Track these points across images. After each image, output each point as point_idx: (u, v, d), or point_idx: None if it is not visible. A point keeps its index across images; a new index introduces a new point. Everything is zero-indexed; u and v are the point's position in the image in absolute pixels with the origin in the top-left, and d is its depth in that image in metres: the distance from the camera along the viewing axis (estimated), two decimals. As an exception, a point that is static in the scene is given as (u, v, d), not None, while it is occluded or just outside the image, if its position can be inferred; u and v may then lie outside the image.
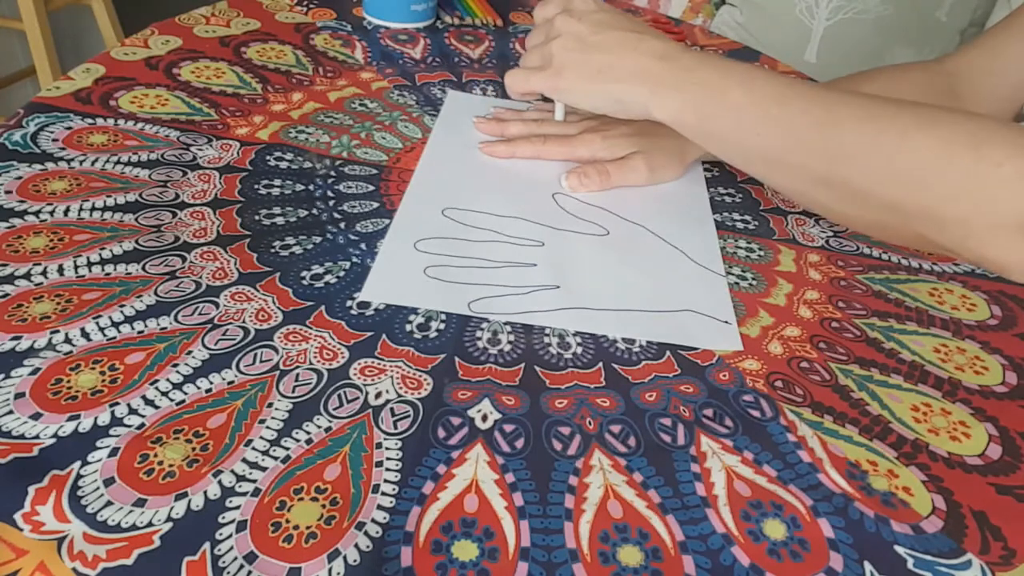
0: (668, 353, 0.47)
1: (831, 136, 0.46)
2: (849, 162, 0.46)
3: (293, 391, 0.40)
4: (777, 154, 0.49)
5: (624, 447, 0.40)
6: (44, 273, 0.44)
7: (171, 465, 0.36)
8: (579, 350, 0.46)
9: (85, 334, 0.41)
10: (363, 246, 0.51)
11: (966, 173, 0.42)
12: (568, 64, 0.55)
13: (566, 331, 0.47)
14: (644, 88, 0.52)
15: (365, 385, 0.41)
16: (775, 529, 0.37)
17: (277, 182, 0.55)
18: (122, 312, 0.43)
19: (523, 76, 0.58)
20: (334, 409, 0.40)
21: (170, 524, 0.33)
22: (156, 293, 0.44)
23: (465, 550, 0.34)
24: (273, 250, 0.49)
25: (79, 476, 0.34)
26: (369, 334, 0.45)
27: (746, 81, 0.50)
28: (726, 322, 0.49)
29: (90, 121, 0.57)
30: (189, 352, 0.41)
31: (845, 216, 0.50)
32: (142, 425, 0.37)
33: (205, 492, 0.35)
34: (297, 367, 0.42)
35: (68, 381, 0.38)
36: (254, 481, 0.36)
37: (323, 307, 0.46)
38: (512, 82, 0.59)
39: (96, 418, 0.37)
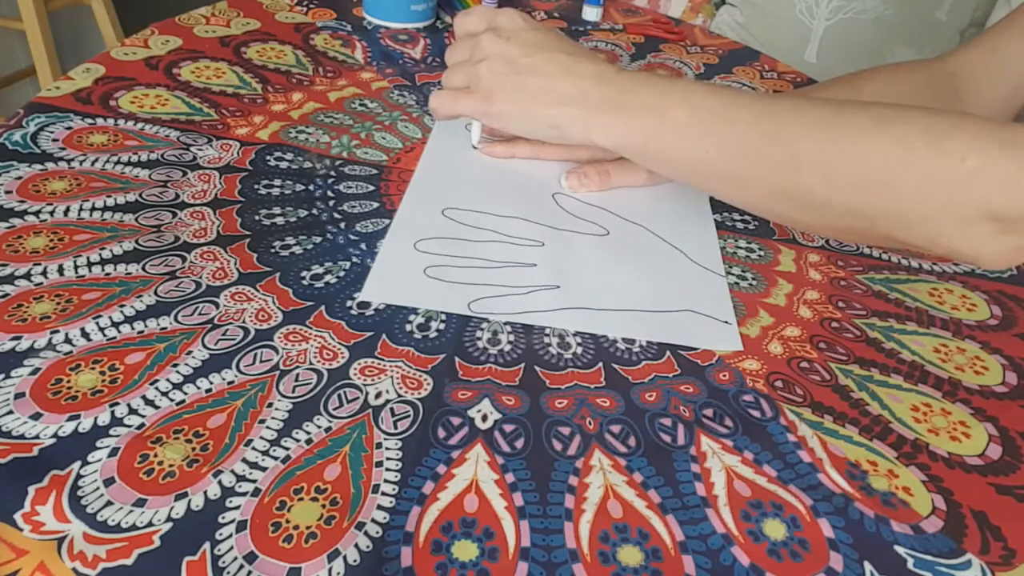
0: (668, 353, 0.47)
1: (784, 147, 0.45)
2: (806, 172, 0.45)
3: (293, 391, 0.40)
4: (729, 170, 0.48)
5: (624, 447, 0.40)
6: (44, 273, 0.44)
7: (171, 465, 0.36)
8: (579, 350, 0.46)
9: (85, 334, 0.41)
10: (363, 246, 0.51)
11: (929, 171, 0.42)
12: (499, 88, 0.52)
13: (566, 331, 0.47)
14: (582, 112, 0.50)
15: (365, 385, 0.41)
16: (775, 529, 0.37)
17: (277, 182, 0.55)
18: (122, 312, 0.43)
19: (450, 98, 0.55)
20: (334, 409, 0.40)
21: (170, 524, 0.33)
22: (156, 293, 0.44)
23: (465, 550, 0.34)
24: (273, 250, 0.49)
25: (79, 476, 0.34)
26: (369, 334, 0.45)
27: (688, 99, 0.48)
28: (726, 322, 0.49)
29: (90, 121, 0.57)
30: (189, 352, 0.41)
31: (807, 224, 0.50)
32: (142, 425, 0.37)
33: (205, 492, 0.35)
34: (297, 367, 0.42)
35: (68, 381, 0.38)
36: (254, 481, 0.36)
37: (323, 307, 0.46)
38: (438, 104, 0.56)
39: (96, 418, 0.37)
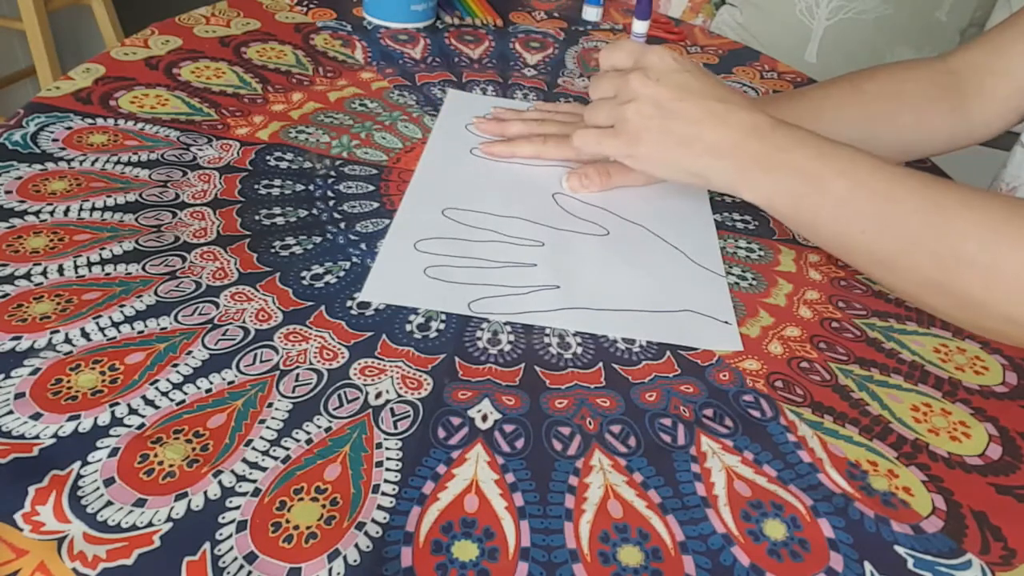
0: (668, 353, 0.47)
1: (949, 245, 0.43)
2: (969, 273, 0.43)
3: (293, 391, 0.40)
4: (883, 254, 0.46)
5: (624, 447, 0.40)
6: (44, 273, 0.44)
7: (171, 465, 0.36)
8: (579, 350, 0.46)
9: (85, 334, 0.41)
10: (363, 246, 0.51)
11: None
12: (645, 132, 0.51)
13: (566, 331, 0.47)
14: (732, 166, 0.49)
15: (365, 385, 0.41)
16: (775, 529, 0.37)
17: (277, 182, 0.55)
18: (122, 312, 0.43)
19: (595, 138, 0.54)
20: (334, 409, 0.40)
21: (170, 524, 0.33)
22: (156, 293, 0.44)
23: (465, 550, 0.34)
24: (273, 250, 0.49)
25: (79, 476, 0.34)
26: (369, 334, 0.45)
27: (848, 170, 0.46)
28: (726, 322, 0.49)
29: (90, 121, 0.57)
30: (189, 352, 0.41)
31: (960, 322, 0.47)
32: (142, 425, 0.37)
33: (205, 492, 0.35)
34: (297, 367, 0.42)
35: (68, 381, 0.38)
36: (254, 481, 0.36)
37: (323, 307, 0.46)
38: (582, 143, 0.55)
39: (96, 418, 0.37)
